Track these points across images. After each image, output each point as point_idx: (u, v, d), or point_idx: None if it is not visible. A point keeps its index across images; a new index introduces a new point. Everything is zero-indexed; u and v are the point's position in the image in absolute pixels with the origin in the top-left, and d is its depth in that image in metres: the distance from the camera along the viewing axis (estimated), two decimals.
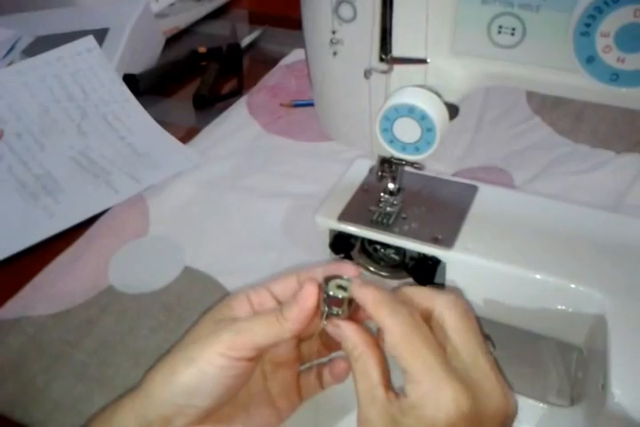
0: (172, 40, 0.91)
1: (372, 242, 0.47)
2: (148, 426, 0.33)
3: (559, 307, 0.41)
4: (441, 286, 0.45)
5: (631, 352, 0.36)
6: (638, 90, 0.30)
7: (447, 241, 0.43)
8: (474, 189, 0.48)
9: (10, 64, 0.74)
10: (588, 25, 0.29)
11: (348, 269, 0.36)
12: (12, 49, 0.78)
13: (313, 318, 0.34)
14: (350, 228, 0.46)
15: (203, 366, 0.33)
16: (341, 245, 0.47)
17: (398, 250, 0.47)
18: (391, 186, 0.45)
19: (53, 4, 0.84)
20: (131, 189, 0.62)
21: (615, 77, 0.30)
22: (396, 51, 0.35)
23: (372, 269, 0.48)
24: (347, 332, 0.33)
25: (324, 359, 0.40)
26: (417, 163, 0.41)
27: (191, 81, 0.81)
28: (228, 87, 0.81)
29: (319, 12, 0.36)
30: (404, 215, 0.46)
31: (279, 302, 0.37)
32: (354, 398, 0.32)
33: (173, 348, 0.35)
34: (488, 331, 0.39)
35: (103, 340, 0.48)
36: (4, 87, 0.66)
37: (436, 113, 0.35)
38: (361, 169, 0.50)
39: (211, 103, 0.77)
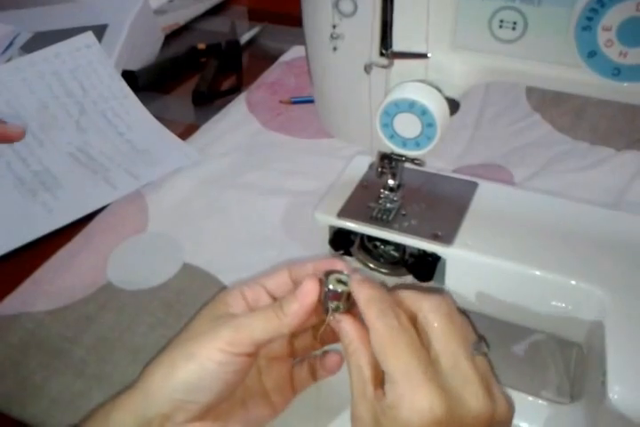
0: (172, 36, 0.91)
1: (371, 238, 0.47)
2: (147, 424, 0.33)
3: (559, 304, 0.41)
4: (440, 289, 0.45)
5: (631, 349, 0.36)
6: None
7: (447, 238, 0.43)
8: (474, 186, 0.48)
9: (8, 60, 0.73)
10: (589, 19, 0.29)
11: (339, 265, 0.36)
12: (10, 45, 0.78)
13: (312, 313, 0.34)
14: (350, 224, 0.46)
15: (202, 362, 0.33)
16: (341, 241, 0.47)
17: (398, 246, 0.47)
18: (391, 182, 0.45)
19: (52, 0, 0.84)
20: (129, 186, 0.61)
21: (617, 72, 0.30)
22: (397, 45, 0.35)
23: (371, 265, 0.48)
24: (346, 327, 0.34)
25: (317, 352, 0.40)
26: (417, 159, 0.41)
27: (190, 77, 0.81)
28: (227, 84, 0.80)
29: (319, 6, 0.36)
30: (403, 212, 0.46)
31: (274, 298, 0.37)
32: None
33: (170, 344, 0.35)
34: (487, 328, 0.39)
35: (102, 336, 0.48)
36: (2, 83, 0.65)
37: (437, 108, 0.35)
38: (360, 165, 0.50)
39: (210, 100, 0.77)
